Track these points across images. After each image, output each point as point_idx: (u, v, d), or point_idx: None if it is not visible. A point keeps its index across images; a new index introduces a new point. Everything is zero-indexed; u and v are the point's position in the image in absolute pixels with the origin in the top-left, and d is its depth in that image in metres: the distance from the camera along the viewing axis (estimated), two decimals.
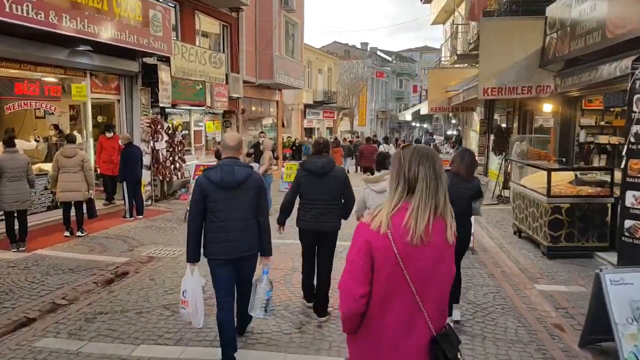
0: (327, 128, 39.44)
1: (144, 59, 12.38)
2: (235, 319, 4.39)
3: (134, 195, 10.78)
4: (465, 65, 19.29)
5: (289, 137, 26.46)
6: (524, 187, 8.59)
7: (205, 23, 16.21)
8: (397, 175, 2.14)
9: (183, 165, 13.54)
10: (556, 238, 7.58)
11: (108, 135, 11.22)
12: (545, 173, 8.55)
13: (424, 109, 22.93)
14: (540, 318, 5.34)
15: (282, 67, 19.15)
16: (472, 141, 20.13)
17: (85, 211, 9.02)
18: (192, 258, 4.12)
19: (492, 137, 16.69)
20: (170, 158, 13.18)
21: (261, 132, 16.54)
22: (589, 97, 9.37)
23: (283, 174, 16.37)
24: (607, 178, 8.24)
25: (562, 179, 8.31)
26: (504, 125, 14.25)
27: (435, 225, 2.06)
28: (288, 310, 5.52)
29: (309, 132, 33.89)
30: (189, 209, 4.30)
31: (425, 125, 42.13)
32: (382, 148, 19.25)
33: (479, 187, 5.08)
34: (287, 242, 8.76)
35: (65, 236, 8.78)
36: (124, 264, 7.28)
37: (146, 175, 12.40)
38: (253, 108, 19.76)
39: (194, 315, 4.19)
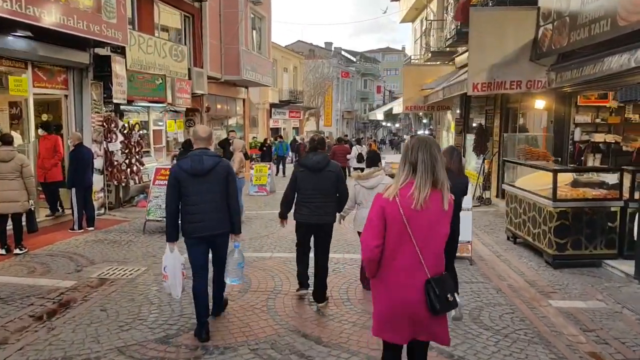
0: (294, 128, 38.49)
1: (96, 50, 11.14)
2: (211, 291, 5.06)
3: (85, 203, 9.55)
4: (439, 62, 18.68)
5: (254, 137, 25.35)
6: (522, 189, 7.84)
7: (166, 13, 14.99)
8: (404, 159, 2.87)
9: (141, 168, 12.31)
10: (562, 246, 6.85)
11: (41, 133, 9.87)
12: (545, 174, 7.87)
13: (397, 108, 22.22)
14: (570, 345, 4.52)
15: (249, 63, 18.06)
16: (445, 141, 19.50)
17: (24, 224, 7.78)
18: (171, 238, 4.72)
19: (468, 136, 16.11)
20: (127, 161, 11.94)
21: (231, 131, 15.40)
22: (586, 92, 8.73)
23: (252, 177, 15.30)
24: (605, 179, 7.63)
25: (560, 181, 7.61)
26: (481, 123, 13.57)
27: (433, 195, 2.76)
28: (276, 348, 4.50)
29: (275, 132, 32.84)
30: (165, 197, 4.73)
31: (396, 125, 41.69)
32: (356, 149, 18.46)
33: (467, 184, 5.24)
34: (264, 255, 7.77)
35: (0, 255, 7.53)
36: (69, 290, 6.10)
37: (98, 181, 11.15)
38: (218, 106, 18.60)
39: (173, 288, 4.85)
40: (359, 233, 5.72)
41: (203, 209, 4.60)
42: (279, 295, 5.88)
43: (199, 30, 16.13)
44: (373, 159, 6.08)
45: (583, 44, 7.32)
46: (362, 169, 16.43)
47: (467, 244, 7.29)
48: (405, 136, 33.90)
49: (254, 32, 20.17)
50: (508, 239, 8.68)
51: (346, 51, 71.22)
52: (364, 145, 20.71)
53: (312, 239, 5.67)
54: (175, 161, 11.36)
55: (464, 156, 16.36)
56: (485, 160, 13.64)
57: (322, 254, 5.58)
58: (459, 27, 13.61)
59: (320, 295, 5.56)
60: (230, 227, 4.82)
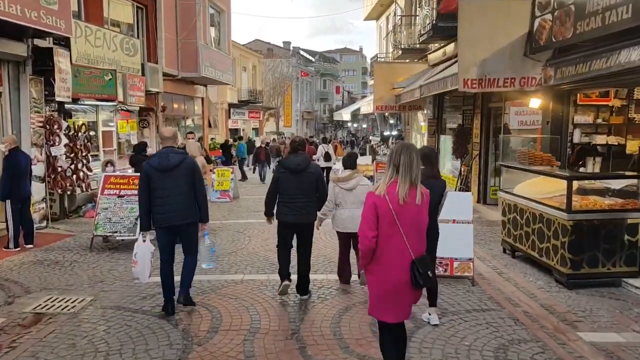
0: (253, 129, 37.23)
1: (35, 41, 9.73)
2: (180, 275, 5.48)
3: (21, 217, 8.18)
4: (407, 60, 17.94)
5: (212, 139, 24.00)
6: (526, 198, 7.04)
7: (116, 3, 13.57)
8: (389, 161, 3.48)
9: (89, 174, 10.91)
10: (577, 263, 6.07)
11: None
12: (546, 180, 7.09)
13: (365, 108, 21.35)
14: None
15: (208, 59, 16.79)
16: (416, 143, 18.79)
17: None
18: (144, 228, 5.26)
19: (442, 137, 15.41)
20: (72, 166, 10.54)
21: (190, 132, 14.12)
22: (591, 90, 8.03)
23: (214, 182, 14.06)
24: (610, 185, 6.92)
25: (561, 188, 6.84)
26: (461, 124, 12.83)
27: (412, 191, 3.38)
28: None
29: (234, 132, 31.53)
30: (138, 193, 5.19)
31: (364, 126, 41.06)
32: (322, 148, 17.45)
33: (445, 186, 5.28)
34: (234, 278, 6.66)
35: None
36: None
37: (39, 189, 9.74)
38: (175, 105, 17.23)
39: (141, 273, 5.36)
40: (338, 233, 6.09)
41: (169, 201, 5.12)
42: (257, 336, 4.80)
43: (153, 22, 14.77)
44: (351, 161, 6.17)
45: (594, 34, 6.56)
46: (329, 168, 15.85)
47: (468, 261, 6.42)
48: (372, 137, 33.19)
49: (213, 27, 18.89)
50: (504, 251, 7.88)
51: (305, 51, 70.32)
52: (330, 145, 19.78)
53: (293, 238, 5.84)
54: (108, 168, 10.07)
55: (438, 158, 15.68)
56: (463, 164, 12.93)
57: (304, 252, 5.80)
58: (434, 21, 12.85)
59: (303, 288, 5.85)
60: (199, 217, 5.36)
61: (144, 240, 5.33)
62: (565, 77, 7.43)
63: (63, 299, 5.86)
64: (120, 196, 8.41)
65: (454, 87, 9.41)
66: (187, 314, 5.35)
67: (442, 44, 14.08)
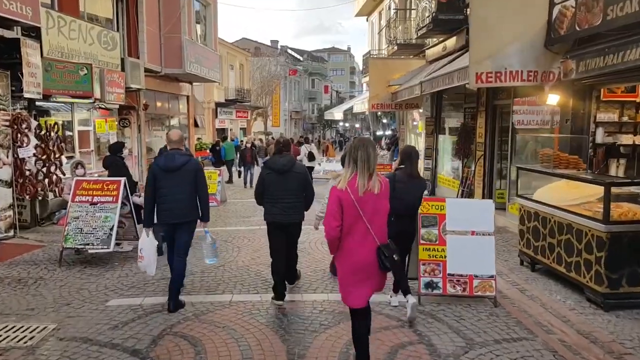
0: (241, 128, 36.27)
1: (1, 31, 8.77)
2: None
3: None
4: (402, 57, 17.15)
5: (199, 139, 23.08)
6: (551, 206, 6.27)
7: None
8: (348, 157, 3.73)
9: (62, 178, 9.96)
10: (616, 281, 5.31)
11: None
12: (570, 185, 6.35)
13: (358, 107, 20.53)
14: None
15: (194, 55, 15.86)
16: (412, 143, 18.04)
17: None
18: (148, 224, 5.54)
19: (441, 137, 14.67)
20: (44, 169, 9.59)
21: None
22: (619, 84, 7.28)
23: None
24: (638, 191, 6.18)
25: (587, 194, 6.10)
26: (465, 123, 12.06)
27: (370, 182, 3.63)
28: None
29: (221, 132, 30.58)
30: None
31: (357, 125, 40.29)
32: (305, 148, 16.68)
33: (425, 185, 5.58)
34: (221, 300, 5.80)
35: None
36: None
37: (6, 195, 8.80)
38: (158, 103, 16.30)
39: (148, 267, 5.70)
40: None
41: (173, 199, 5.38)
42: None
43: (134, 15, 13.83)
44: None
45: (629, 20, 5.79)
46: (311, 168, 15.12)
47: (490, 279, 5.63)
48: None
49: (199, 24, 17.95)
50: (522, 263, 7.13)
51: (293, 49, 69.37)
52: (312, 144, 19.06)
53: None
54: (78, 170, 9.11)
55: (437, 159, 14.94)
56: (465, 166, 12.19)
57: (291, 250, 5.94)
58: (434, 13, 12.09)
59: (291, 278, 6.12)
60: (200, 216, 5.59)
61: (148, 236, 5.57)
62: (590, 70, 6.67)
63: (21, 327, 4.99)
64: (93, 204, 7.50)
65: (463, 83, 8.63)
66: (165, 349, 4.48)
67: (441, 39, 13.33)
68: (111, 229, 7.29)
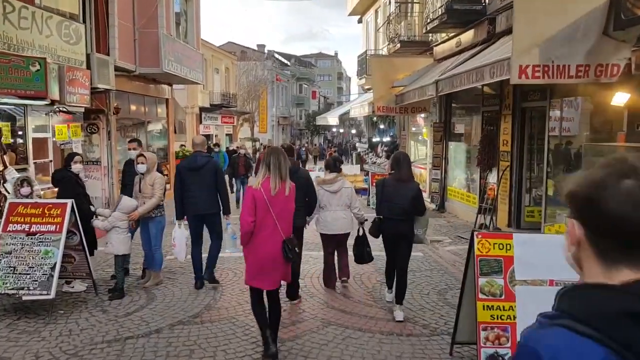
0: (227, 135, 34.50)
1: None
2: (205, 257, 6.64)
3: None
4: (406, 55, 15.53)
5: (182, 145, 21.26)
6: None
7: None
8: (263, 163, 4.38)
9: (7, 195, 8.12)
10: None
11: None
12: None
13: (356, 110, 18.87)
14: None
15: (173, 52, 14.10)
16: (415, 151, 16.44)
17: None
18: (179, 216, 6.48)
19: (451, 145, 13.08)
20: None
21: (131, 141, 10.56)
22: None
23: None
24: None
25: None
26: (491, 129, 10.44)
27: (282, 185, 4.27)
28: None
29: (207, 138, 28.75)
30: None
31: (352, 131, 38.73)
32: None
33: (418, 189, 5.53)
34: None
35: None
36: None
37: None
38: (133, 107, 14.50)
39: (179, 253, 6.57)
40: (322, 235, 6.34)
41: (197, 194, 6.28)
42: None
43: (103, 6, 12.06)
44: (333, 164, 6.49)
45: None
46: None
47: None
48: (358, 144, 30.97)
49: (179, 24, 16.20)
50: None
51: (280, 54, 67.79)
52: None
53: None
54: (23, 189, 7.12)
55: (446, 169, 13.35)
56: (482, 178, 10.59)
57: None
58: (449, 2, 10.52)
59: (293, 294, 6.00)
60: (222, 209, 6.58)
61: (179, 227, 6.48)
62: None
63: None
64: (30, 234, 5.73)
65: (501, 78, 7.02)
66: None
67: (453, 33, 11.78)
68: (52, 268, 5.53)
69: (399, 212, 5.32)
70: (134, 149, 7.32)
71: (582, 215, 0.98)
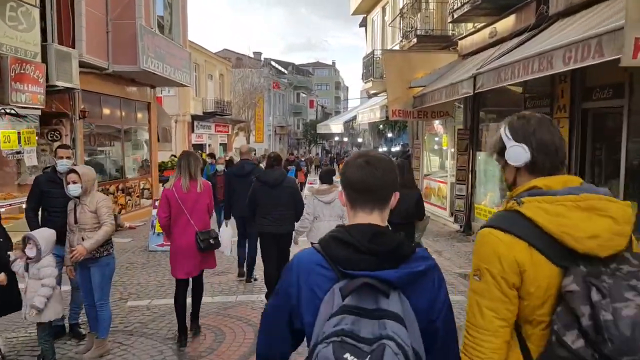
0: (221, 144, 32.52)
1: None
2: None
3: None
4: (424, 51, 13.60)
5: (173, 156, 19.30)
6: None
7: None
8: (177, 167, 4.97)
9: None
10: None
11: None
12: None
13: (364, 116, 16.88)
14: None
15: (153, 48, 12.11)
16: (427, 163, 14.41)
17: None
18: (227, 216, 7.32)
19: (480, 155, 11.10)
20: None
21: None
22: None
23: (154, 222, 9.40)
24: None
25: None
26: None
27: (192, 183, 4.91)
28: None
29: (199, 148, 26.87)
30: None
31: (359, 140, 36.82)
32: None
33: (419, 196, 6.07)
34: None
35: None
36: None
37: None
38: (106, 111, 12.48)
39: (225, 249, 6.71)
40: (312, 244, 4.08)
41: (242, 197, 6.61)
42: None
43: None
44: (327, 175, 6.40)
45: None
46: None
47: None
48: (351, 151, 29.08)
49: (163, 9, 14.24)
50: None
51: (277, 62, 66.07)
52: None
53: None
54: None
55: (473, 183, 11.37)
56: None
57: (281, 253, 6.01)
58: None
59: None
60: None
61: (227, 226, 7.15)
62: None
63: None
64: None
65: (588, 63, 5.02)
66: None
67: (484, 23, 9.87)
68: None
69: (402, 218, 5.59)
70: (67, 157, 4.99)
71: (342, 182, 1.58)
